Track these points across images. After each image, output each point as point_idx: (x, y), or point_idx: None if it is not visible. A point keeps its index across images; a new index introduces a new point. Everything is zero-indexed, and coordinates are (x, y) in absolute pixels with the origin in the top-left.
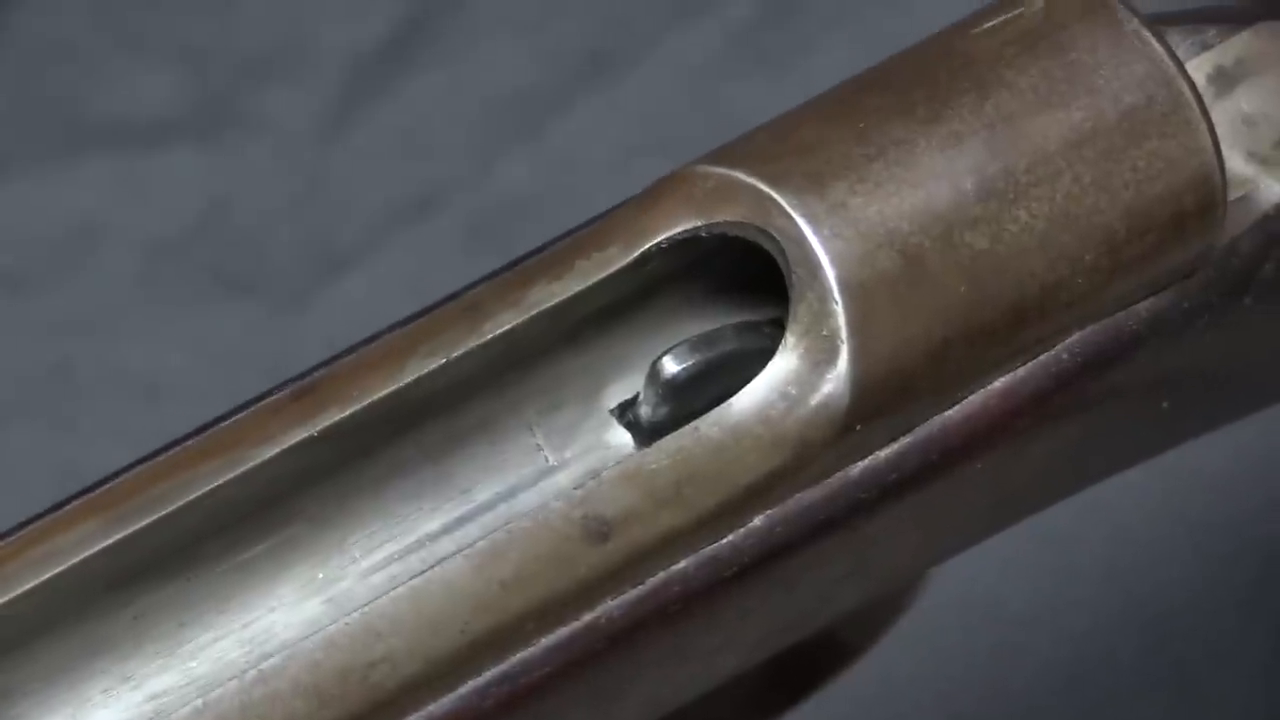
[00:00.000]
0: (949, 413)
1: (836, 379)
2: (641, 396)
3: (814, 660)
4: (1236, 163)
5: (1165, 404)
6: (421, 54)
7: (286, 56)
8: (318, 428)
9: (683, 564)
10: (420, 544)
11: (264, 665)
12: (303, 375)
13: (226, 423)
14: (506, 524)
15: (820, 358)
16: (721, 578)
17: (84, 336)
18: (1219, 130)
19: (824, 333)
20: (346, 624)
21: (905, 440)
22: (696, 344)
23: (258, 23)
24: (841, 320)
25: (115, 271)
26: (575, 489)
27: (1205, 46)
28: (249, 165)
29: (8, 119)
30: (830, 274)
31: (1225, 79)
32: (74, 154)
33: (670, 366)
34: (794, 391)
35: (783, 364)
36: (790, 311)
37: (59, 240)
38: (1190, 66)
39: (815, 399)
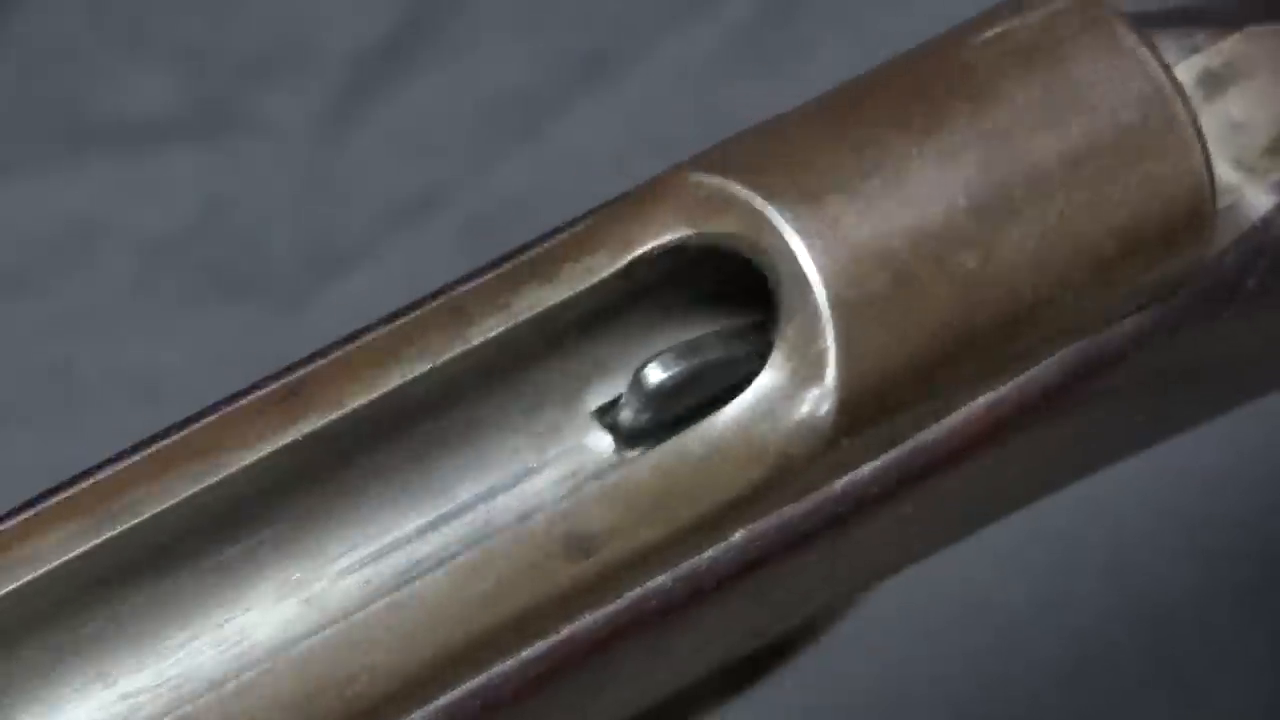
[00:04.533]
0: (934, 428)
1: (822, 397)
2: (624, 401)
3: (781, 640)
4: (1224, 170)
5: (1147, 407)
6: (421, 54)
7: (286, 56)
8: (301, 432)
9: (661, 578)
10: (398, 545)
11: (243, 677)
12: (287, 371)
13: (210, 420)
14: (487, 538)
15: (807, 375)
16: (699, 590)
17: (84, 336)
18: (1209, 137)
19: (812, 351)
20: (325, 637)
21: (889, 455)
22: (681, 352)
23: (258, 23)
24: (830, 340)
25: (115, 271)
26: (558, 501)
27: (1194, 50)
28: (249, 165)
29: (8, 119)
30: (821, 293)
31: (1214, 82)
32: (74, 154)
33: (655, 375)
34: (779, 409)
35: (769, 381)
36: (779, 329)
37: (59, 240)
38: (1179, 70)
39: (800, 416)
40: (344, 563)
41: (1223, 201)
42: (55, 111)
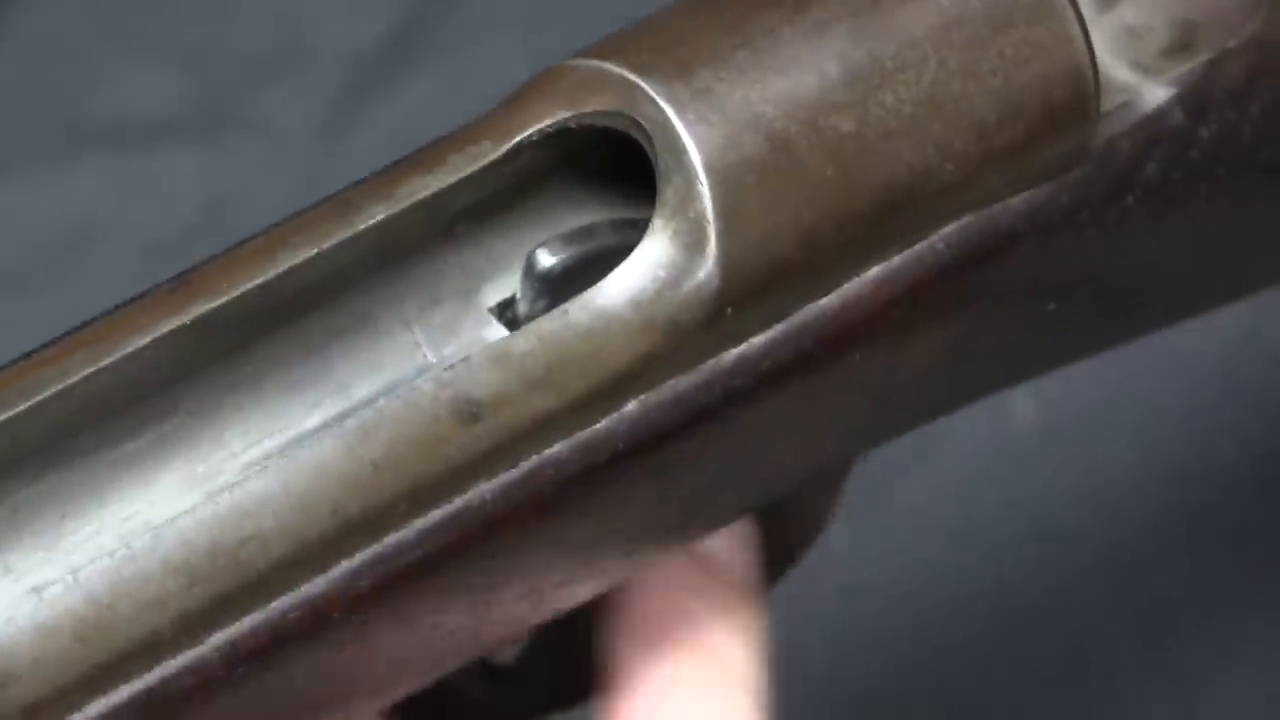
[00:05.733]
0: (823, 301)
1: (705, 261)
2: (519, 292)
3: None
4: (1121, 73)
5: (1051, 307)
6: (421, 54)
7: (286, 56)
8: (189, 317)
9: (556, 448)
10: (299, 439)
11: (134, 544)
12: (179, 274)
13: (104, 316)
14: (376, 406)
15: (688, 240)
16: (595, 462)
17: None
18: (1104, 42)
19: (691, 215)
20: (215, 504)
21: (779, 327)
22: (571, 237)
23: (258, 23)
24: (708, 202)
25: (115, 271)
26: (445, 370)
27: None
28: (249, 165)
29: (8, 119)
30: (696, 157)
31: None
32: (74, 154)
33: (545, 259)
34: (663, 274)
35: (651, 247)
36: (658, 195)
37: (59, 240)
38: None
39: (685, 282)
40: (246, 457)
41: (1119, 99)
42: (55, 111)
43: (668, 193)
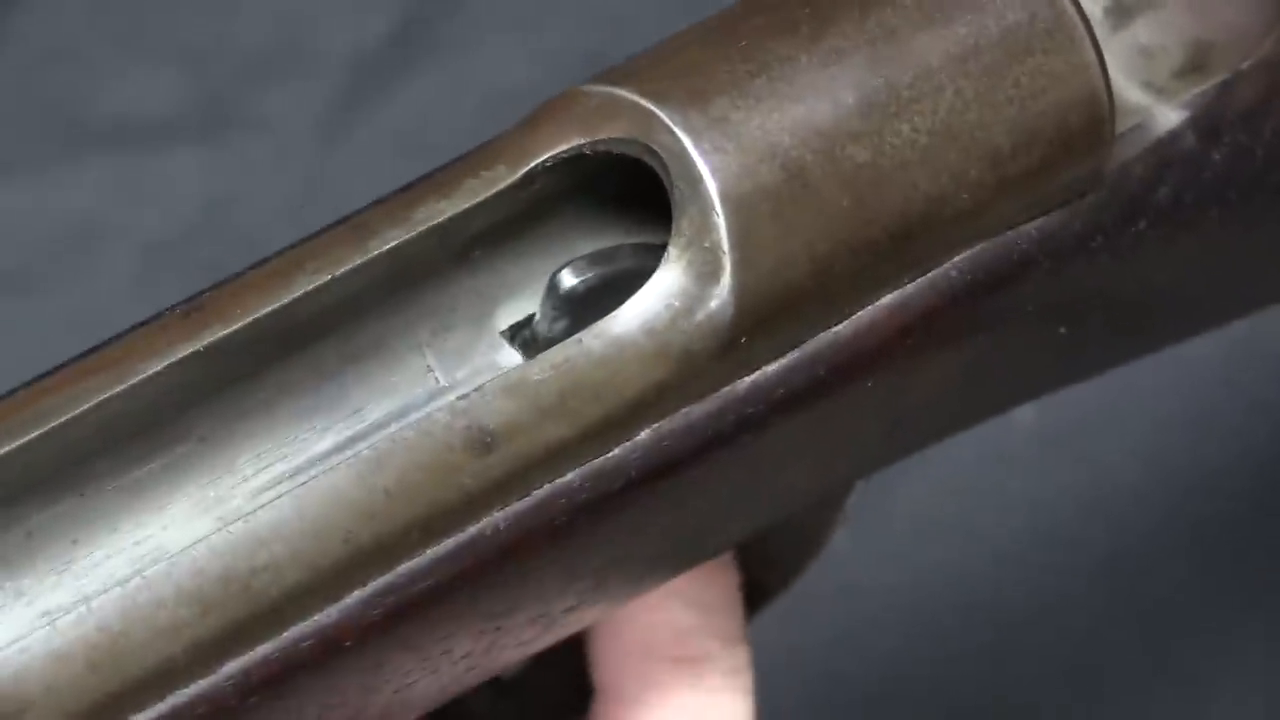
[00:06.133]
0: (837, 329)
1: (720, 291)
2: (539, 312)
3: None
4: (1133, 94)
5: (1063, 330)
6: (421, 54)
7: (286, 56)
8: (203, 343)
9: (569, 477)
10: (311, 463)
11: (148, 572)
12: (192, 298)
13: (118, 340)
14: (389, 434)
15: (704, 270)
16: (608, 491)
17: (84, 336)
18: (1116, 63)
19: (706, 245)
20: (229, 532)
21: (793, 355)
22: (595, 258)
23: (258, 23)
24: (724, 232)
25: (116, 271)
26: (459, 399)
27: None
28: (249, 165)
29: (8, 120)
30: (712, 186)
31: (1122, 11)
32: (74, 154)
33: (569, 279)
34: (678, 304)
35: (666, 276)
36: (674, 225)
37: (59, 240)
38: (1085, 1)
39: (699, 311)
40: (258, 481)
41: (1132, 121)
42: (55, 111)
43: (683, 222)
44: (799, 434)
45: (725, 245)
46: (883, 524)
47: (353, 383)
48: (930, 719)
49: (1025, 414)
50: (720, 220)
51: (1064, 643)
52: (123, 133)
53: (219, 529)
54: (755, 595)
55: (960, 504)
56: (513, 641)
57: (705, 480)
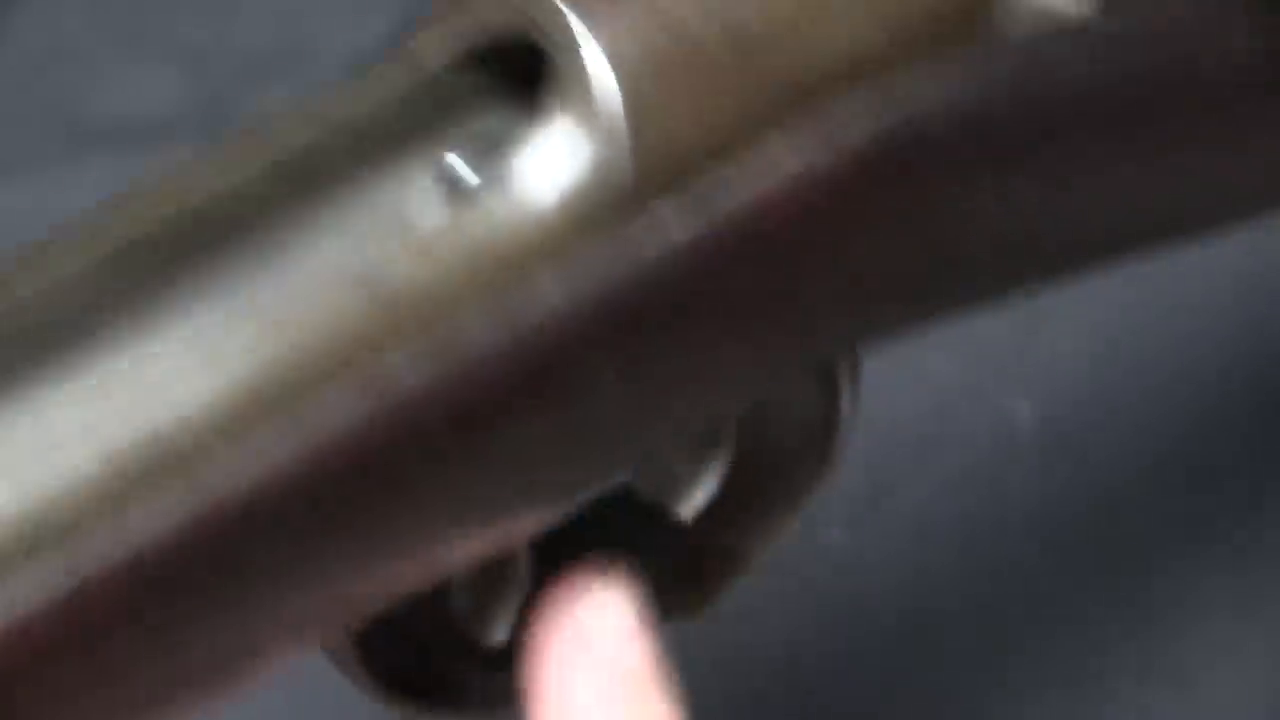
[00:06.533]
0: (737, 184)
1: (613, 144)
2: (434, 199)
3: (709, 567)
4: None
5: (991, 205)
6: None
7: (287, 56)
8: (108, 243)
9: (473, 323)
10: (210, 330)
11: (45, 413)
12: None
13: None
14: (287, 291)
15: (593, 124)
16: (514, 338)
17: None
18: None
19: (595, 108)
20: (123, 371)
21: (695, 210)
22: (480, 138)
23: (258, 23)
24: (610, 92)
25: None
26: (357, 257)
27: None
28: None
29: (8, 119)
30: (596, 46)
31: None
32: (74, 154)
33: (454, 162)
34: (571, 162)
35: (557, 138)
36: (559, 88)
37: None
38: None
39: (592, 165)
40: (164, 362)
41: None
42: (55, 111)
43: (569, 85)
44: (714, 303)
45: (614, 107)
46: (882, 523)
47: (261, 282)
48: (927, 717)
49: (1024, 411)
50: (606, 78)
51: (1064, 643)
52: (123, 133)
53: (120, 388)
54: (730, 562)
55: (959, 502)
56: (437, 520)
57: (631, 350)
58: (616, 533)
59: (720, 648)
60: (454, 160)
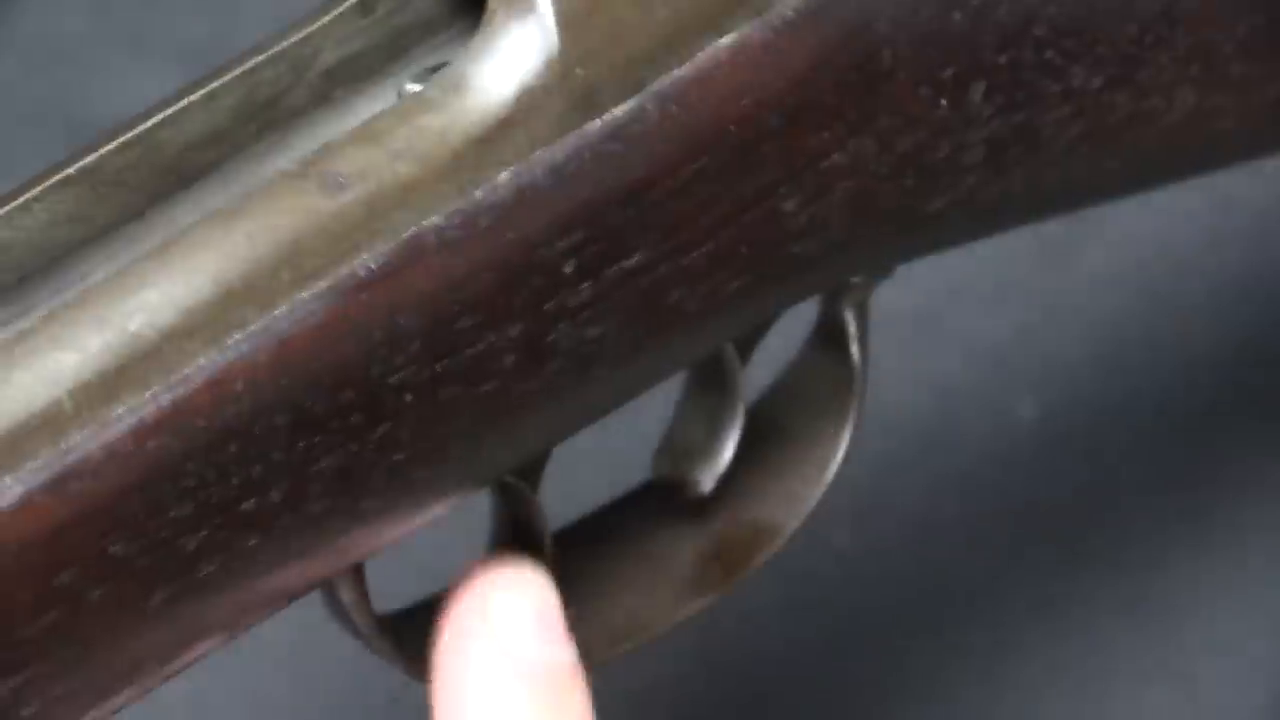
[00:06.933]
0: (678, 71)
1: (542, 27)
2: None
3: (746, 542)
4: None
5: (944, 100)
6: None
7: None
8: (73, 167)
9: (434, 218)
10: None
11: (20, 325)
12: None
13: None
14: (244, 192)
15: (527, 11)
16: (475, 232)
17: None
18: None
19: (536, 4)
20: (97, 282)
21: (638, 98)
22: (434, 55)
23: (258, 23)
24: None
25: None
26: (309, 153)
27: None
28: None
29: (8, 119)
30: None
31: None
32: None
33: (414, 88)
34: (508, 46)
35: (496, 26)
36: None
37: None
38: None
39: (527, 48)
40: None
41: None
42: (55, 111)
43: None
44: (678, 180)
45: (553, 5)
46: (882, 523)
47: None
48: (930, 718)
49: (1026, 410)
50: None
51: (1064, 642)
52: None
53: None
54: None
55: (960, 501)
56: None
57: (573, 227)
58: (636, 524)
59: (720, 648)
60: (412, 87)
